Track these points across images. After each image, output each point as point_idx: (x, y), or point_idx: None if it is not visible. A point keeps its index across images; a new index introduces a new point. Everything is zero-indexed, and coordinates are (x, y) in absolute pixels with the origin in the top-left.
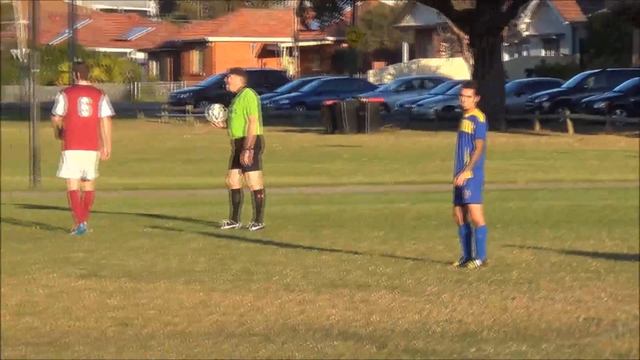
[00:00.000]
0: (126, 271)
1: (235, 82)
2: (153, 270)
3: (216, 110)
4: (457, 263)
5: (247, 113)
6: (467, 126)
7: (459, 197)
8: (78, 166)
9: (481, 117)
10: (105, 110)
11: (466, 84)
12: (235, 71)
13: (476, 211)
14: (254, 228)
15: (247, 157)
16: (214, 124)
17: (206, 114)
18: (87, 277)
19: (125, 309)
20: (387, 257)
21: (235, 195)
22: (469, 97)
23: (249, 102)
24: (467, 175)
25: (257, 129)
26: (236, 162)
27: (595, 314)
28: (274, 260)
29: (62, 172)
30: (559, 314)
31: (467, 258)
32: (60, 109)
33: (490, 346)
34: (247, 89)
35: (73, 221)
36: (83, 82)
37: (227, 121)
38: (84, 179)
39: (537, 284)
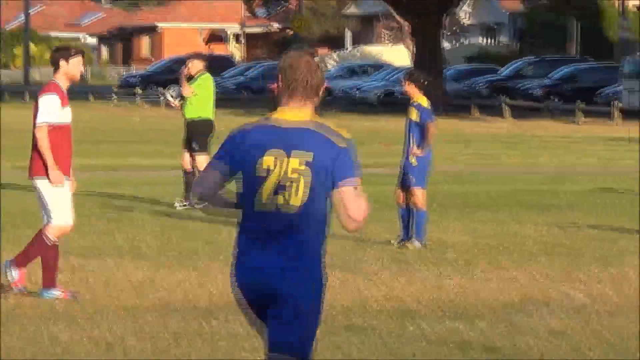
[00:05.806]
0: (74, 248)
1: (196, 66)
2: (101, 248)
3: (175, 91)
4: (395, 243)
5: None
6: (413, 113)
7: (404, 180)
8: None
9: (424, 103)
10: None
11: (409, 72)
12: (197, 56)
13: (419, 195)
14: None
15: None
16: (171, 103)
17: (166, 93)
18: None
19: (73, 285)
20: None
21: (188, 176)
22: (412, 84)
23: (205, 85)
24: (417, 152)
25: (209, 112)
26: (189, 144)
27: (530, 293)
28: (220, 239)
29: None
30: (494, 292)
31: (406, 239)
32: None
33: (427, 323)
34: (206, 73)
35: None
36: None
37: (182, 103)
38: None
39: (474, 265)
